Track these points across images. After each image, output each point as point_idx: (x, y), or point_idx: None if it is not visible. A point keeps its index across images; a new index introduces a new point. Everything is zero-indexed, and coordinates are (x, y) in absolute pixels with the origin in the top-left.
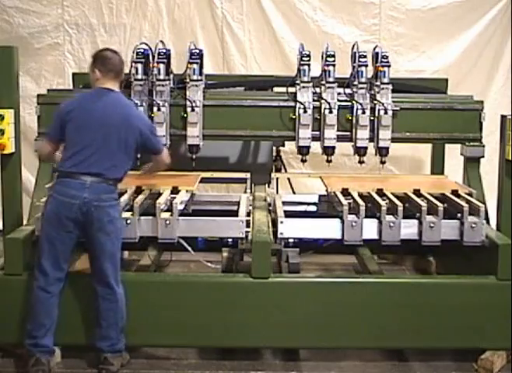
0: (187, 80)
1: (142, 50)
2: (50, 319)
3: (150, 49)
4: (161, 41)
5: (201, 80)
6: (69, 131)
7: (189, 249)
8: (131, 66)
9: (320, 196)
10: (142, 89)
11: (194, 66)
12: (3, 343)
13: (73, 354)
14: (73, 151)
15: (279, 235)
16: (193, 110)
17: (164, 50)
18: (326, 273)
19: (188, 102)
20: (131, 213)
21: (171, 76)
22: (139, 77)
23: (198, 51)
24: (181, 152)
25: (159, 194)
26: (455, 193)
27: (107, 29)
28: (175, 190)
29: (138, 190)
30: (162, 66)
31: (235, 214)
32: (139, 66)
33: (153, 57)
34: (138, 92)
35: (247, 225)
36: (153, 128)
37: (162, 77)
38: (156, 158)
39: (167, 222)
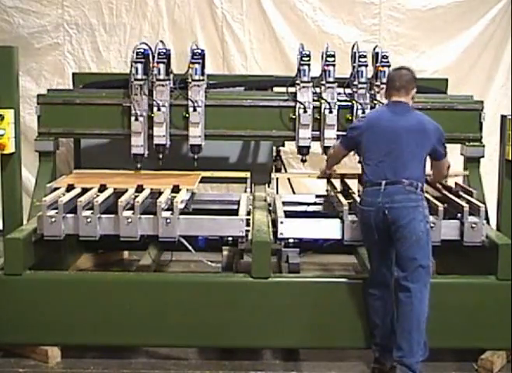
0: (189, 80)
1: (143, 50)
2: (378, 319)
3: (150, 49)
4: (161, 41)
5: (203, 80)
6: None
7: (189, 247)
8: (131, 66)
9: (317, 196)
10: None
11: (196, 66)
12: (3, 343)
13: (73, 354)
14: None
15: (279, 235)
16: (195, 110)
17: (164, 50)
18: (326, 273)
19: (190, 103)
20: (132, 212)
21: (171, 76)
22: (139, 77)
23: (199, 51)
24: (182, 152)
25: (160, 193)
26: (455, 193)
27: (107, 29)
28: (176, 189)
29: (140, 189)
30: (162, 66)
31: (235, 213)
32: (139, 66)
33: (153, 57)
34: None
35: (247, 224)
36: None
37: (162, 77)
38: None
39: (168, 221)
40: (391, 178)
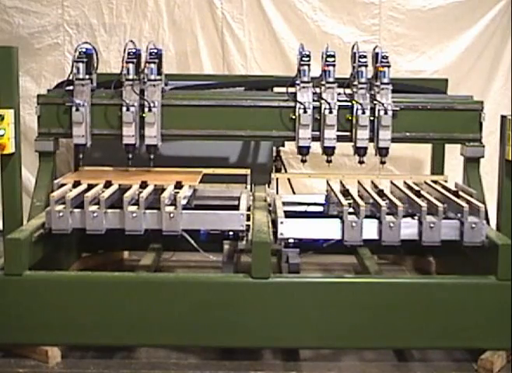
0: (145, 80)
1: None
2: None
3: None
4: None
5: (160, 80)
6: None
7: (191, 241)
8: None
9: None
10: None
11: (152, 66)
12: (3, 343)
13: (73, 354)
14: None
15: (279, 236)
16: (150, 110)
17: (155, 50)
18: (326, 273)
19: (146, 103)
20: (136, 207)
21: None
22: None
23: (156, 51)
24: (183, 152)
25: (163, 189)
26: (455, 193)
27: (107, 29)
28: (178, 186)
29: (144, 185)
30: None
31: (236, 208)
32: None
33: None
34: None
35: (247, 219)
36: None
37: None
38: None
39: (171, 215)
40: None
